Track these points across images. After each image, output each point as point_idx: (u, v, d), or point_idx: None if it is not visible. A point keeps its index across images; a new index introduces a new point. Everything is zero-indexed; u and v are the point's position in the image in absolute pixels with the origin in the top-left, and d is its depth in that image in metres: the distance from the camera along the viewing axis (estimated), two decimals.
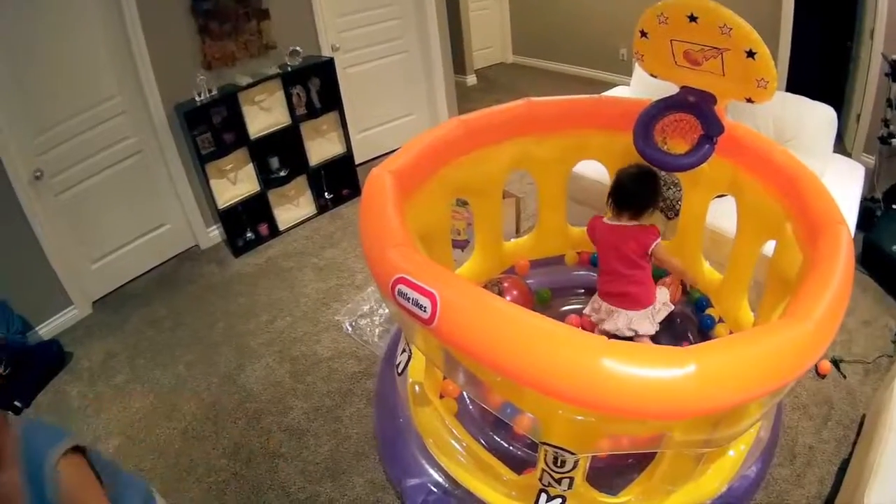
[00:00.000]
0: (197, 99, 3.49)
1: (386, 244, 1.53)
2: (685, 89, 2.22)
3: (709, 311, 2.71)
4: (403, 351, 2.08)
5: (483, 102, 6.35)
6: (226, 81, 3.69)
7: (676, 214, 2.97)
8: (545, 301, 2.86)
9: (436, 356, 1.69)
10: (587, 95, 2.77)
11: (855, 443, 2.44)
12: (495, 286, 2.65)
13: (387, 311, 3.18)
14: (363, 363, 2.93)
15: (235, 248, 3.89)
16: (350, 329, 3.13)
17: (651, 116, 2.30)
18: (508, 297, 2.57)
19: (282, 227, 4.13)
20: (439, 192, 2.32)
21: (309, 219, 4.27)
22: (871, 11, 4.46)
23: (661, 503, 1.81)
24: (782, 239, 2.09)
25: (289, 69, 3.88)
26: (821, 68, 5.39)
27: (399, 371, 2.09)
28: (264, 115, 3.87)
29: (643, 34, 2.16)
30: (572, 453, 1.47)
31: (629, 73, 6.77)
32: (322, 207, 4.34)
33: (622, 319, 2.46)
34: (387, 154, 4.98)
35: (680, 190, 2.96)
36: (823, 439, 2.46)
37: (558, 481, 1.57)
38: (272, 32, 3.91)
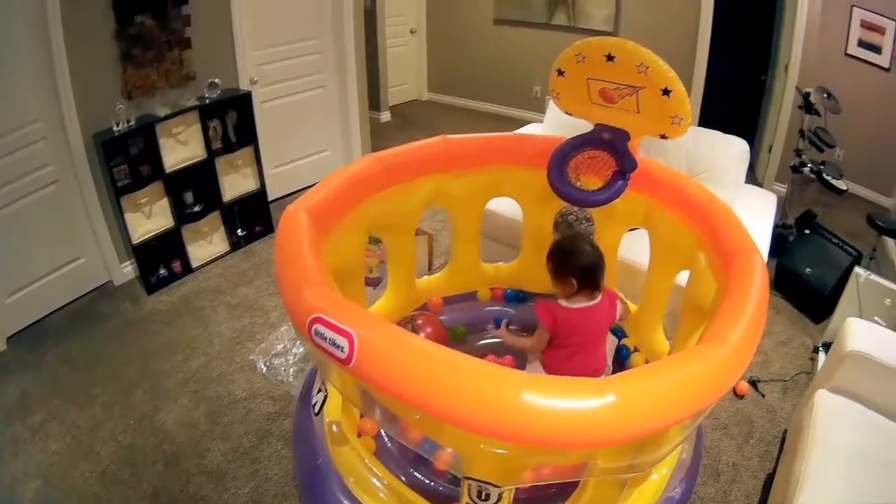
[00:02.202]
0: (115, 128, 3.35)
1: (302, 284, 1.50)
2: (600, 126, 2.29)
3: (624, 341, 2.77)
4: (319, 390, 2.04)
5: (397, 139, 6.33)
6: (145, 111, 3.56)
7: None
8: (460, 337, 2.85)
9: (353, 394, 1.64)
10: (502, 133, 2.82)
11: (779, 457, 2.58)
12: (409, 323, 2.62)
13: (301, 350, 3.12)
14: (279, 403, 2.86)
15: (149, 284, 3.73)
16: (264, 369, 3.05)
17: (565, 153, 2.35)
18: (423, 334, 2.55)
19: (195, 263, 3.99)
20: (354, 230, 2.28)
21: (222, 256, 4.15)
22: (787, 46, 4.77)
23: None
24: (696, 268, 2.17)
25: (207, 101, 3.79)
26: (735, 102, 5.74)
27: (316, 411, 2.03)
28: (181, 147, 3.76)
29: (560, 73, 2.22)
30: (497, 486, 1.45)
31: (543, 110, 6.99)
32: (235, 244, 4.23)
33: None
34: (300, 191, 5.00)
35: (592, 224, 3.04)
36: (746, 456, 2.60)
37: None
38: (193, 63, 3.81)
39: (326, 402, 1.99)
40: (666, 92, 1.97)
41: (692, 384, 1.33)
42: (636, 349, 2.72)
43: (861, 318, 2.65)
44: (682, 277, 2.41)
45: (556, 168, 2.34)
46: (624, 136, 2.23)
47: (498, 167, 2.67)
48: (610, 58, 2.00)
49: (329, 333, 1.29)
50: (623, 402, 1.21)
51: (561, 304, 2.11)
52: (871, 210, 4.25)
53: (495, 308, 3.01)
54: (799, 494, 1.88)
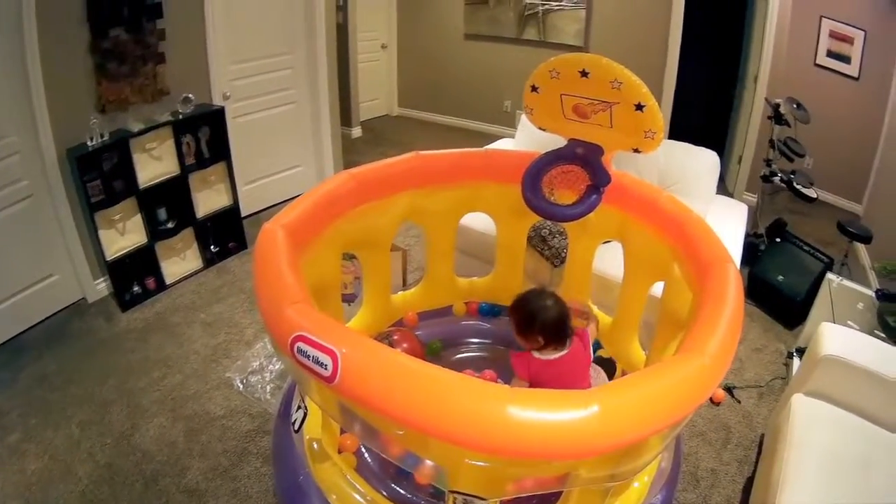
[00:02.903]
0: (89, 143, 3.31)
1: (283, 302, 1.49)
2: (573, 142, 2.31)
3: (600, 352, 2.77)
4: (299, 408, 2.02)
5: (369, 155, 6.47)
6: (118, 126, 3.53)
7: (563, 262, 3.07)
8: (436, 352, 2.84)
9: (333, 410, 1.64)
10: (475, 149, 2.84)
11: (757, 461, 2.64)
12: (385, 339, 2.60)
13: (277, 367, 3.10)
14: (256, 420, 2.83)
15: (123, 302, 3.68)
16: (241, 386, 3.02)
17: (539, 168, 2.37)
18: (399, 350, 2.54)
19: (169, 280, 3.95)
20: (331, 247, 2.28)
21: (196, 272, 4.11)
22: (756, 58, 4.88)
23: None
24: (670, 280, 2.21)
25: (180, 117, 3.76)
26: (704, 114, 5.84)
27: (296, 428, 2.02)
28: (154, 163, 3.73)
29: (534, 89, 2.24)
30: (482, 499, 1.46)
31: (514, 124, 7.09)
32: (209, 261, 4.19)
33: None
34: (274, 207, 4.98)
35: (565, 238, 3.07)
36: (725, 462, 2.65)
37: None
38: (167, 77, 3.79)
39: (306, 420, 1.98)
40: (639, 107, 2.00)
41: (673, 394, 1.35)
42: (613, 360, 2.72)
43: (835, 322, 2.70)
44: (657, 288, 2.45)
45: (531, 183, 2.35)
46: (597, 150, 2.26)
47: (471, 183, 2.69)
48: (584, 74, 2.03)
49: (312, 351, 1.29)
50: (607, 413, 1.22)
51: (534, 356, 2.09)
52: (840, 217, 4.34)
53: (471, 322, 3.02)
54: (780, 495, 1.92)
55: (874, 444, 2.15)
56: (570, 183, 2.35)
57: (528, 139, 3.85)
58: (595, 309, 2.82)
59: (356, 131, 7.24)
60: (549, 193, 2.37)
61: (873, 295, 3.17)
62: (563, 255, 3.03)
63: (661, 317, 2.31)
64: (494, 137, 4.93)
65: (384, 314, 2.82)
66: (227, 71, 4.34)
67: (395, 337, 2.59)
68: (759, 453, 2.70)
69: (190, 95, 3.83)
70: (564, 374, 2.10)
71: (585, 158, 2.28)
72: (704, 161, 3.35)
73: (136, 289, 3.77)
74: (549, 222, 2.89)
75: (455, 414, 1.21)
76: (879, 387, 2.23)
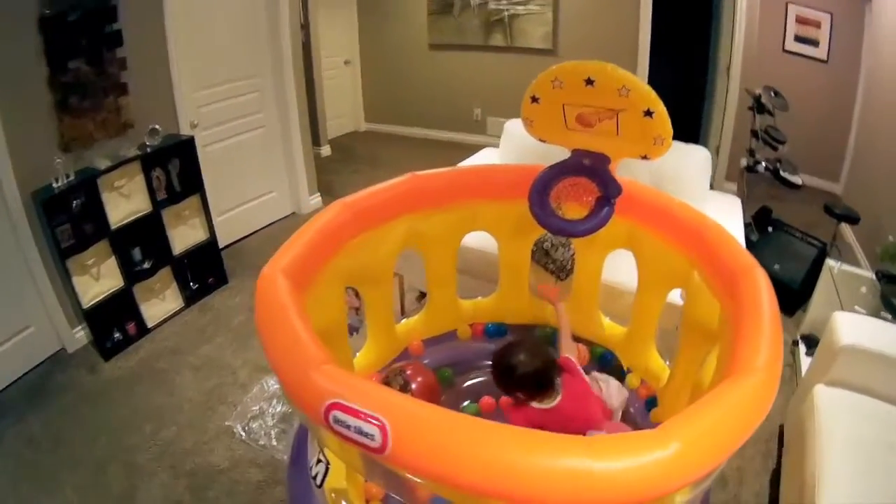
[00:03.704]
0: (55, 185, 3.11)
1: (306, 366, 1.34)
2: (578, 152, 2.21)
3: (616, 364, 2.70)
4: (319, 461, 1.88)
5: (342, 174, 6.35)
6: (84, 164, 3.33)
7: (568, 275, 2.98)
8: (448, 380, 2.72)
9: (355, 460, 1.52)
10: (472, 165, 2.74)
11: (779, 452, 2.65)
12: (399, 376, 2.45)
13: (280, 409, 2.95)
14: (265, 470, 2.67)
15: (104, 350, 3.48)
16: (243, 434, 2.85)
17: (545, 184, 2.27)
18: (414, 385, 2.40)
19: (150, 323, 3.75)
20: (333, 285, 2.15)
21: (177, 312, 3.92)
22: (726, 49, 4.89)
23: None
24: (691, 287, 2.13)
25: (148, 150, 3.57)
26: (677, 108, 5.83)
27: (318, 483, 1.87)
28: (125, 202, 3.54)
29: (534, 100, 2.13)
30: None
31: (484, 132, 7.11)
32: (189, 299, 4.01)
33: None
34: (250, 236, 4.80)
35: (568, 250, 2.98)
36: (748, 457, 2.62)
37: None
38: (131, 109, 3.60)
39: (329, 473, 1.84)
40: (648, 113, 1.92)
41: (741, 416, 1.31)
42: (629, 370, 2.65)
43: (842, 308, 2.77)
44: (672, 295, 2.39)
45: (538, 200, 2.25)
46: (604, 160, 2.17)
47: (470, 202, 2.57)
48: (589, 82, 1.94)
49: (353, 421, 1.15)
50: (687, 448, 1.17)
51: (532, 406, 2.02)
52: (819, 198, 4.39)
53: (477, 344, 2.89)
54: (818, 490, 1.92)
55: None
56: (578, 195, 2.26)
57: (512, 149, 3.76)
58: (606, 319, 2.74)
59: (325, 150, 7.08)
60: (557, 208, 2.27)
61: (874, 277, 3.20)
62: (567, 267, 2.94)
63: (685, 326, 2.23)
64: (466, 146, 4.84)
65: (389, 346, 2.69)
66: (192, 98, 4.16)
67: (409, 372, 2.44)
68: (780, 445, 2.68)
69: (156, 126, 3.63)
70: (570, 417, 2.03)
71: (593, 169, 2.19)
72: (696, 158, 3.34)
73: (116, 335, 3.57)
74: (550, 235, 2.78)
75: (533, 475, 1.10)
76: None
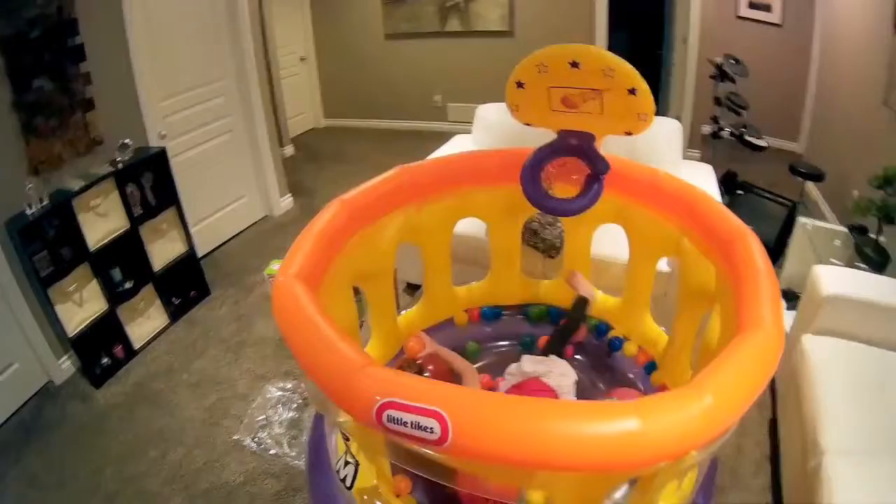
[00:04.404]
0: (28, 212, 3.01)
1: (349, 371, 1.34)
2: (564, 132, 2.26)
3: (611, 333, 2.79)
4: (348, 463, 1.89)
5: (309, 173, 6.33)
6: (55, 187, 3.23)
7: (558, 252, 3.04)
8: (475, 354, 2.79)
9: (382, 450, 1.56)
10: (459, 153, 2.77)
11: (773, 401, 2.90)
12: (412, 365, 2.48)
13: (288, 415, 2.96)
14: (282, 479, 2.66)
15: (94, 378, 3.39)
16: (254, 446, 2.83)
17: (535, 165, 2.31)
18: (428, 374, 2.45)
19: (137, 344, 3.68)
20: (341, 286, 2.16)
21: (164, 330, 3.85)
22: (683, 20, 4.99)
23: None
24: (683, 254, 2.21)
25: (120, 166, 3.49)
26: None
27: (348, 485, 1.88)
28: (101, 221, 3.46)
29: (520, 85, 2.17)
30: None
31: (445, 118, 7.12)
32: (174, 315, 3.95)
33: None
34: (225, 244, 4.75)
35: (556, 228, 3.04)
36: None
37: None
38: (99, 125, 3.52)
39: (359, 473, 1.86)
40: (632, 91, 1.97)
41: (758, 368, 1.38)
42: (626, 338, 2.75)
43: (819, 262, 2.90)
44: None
45: (531, 182, 2.30)
46: (590, 138, 2.22)
47: (460, 189, 2.60)
48: (574, 64, 1.98)
49: (410, 417, 1.18)
50: (719, 399, 1.25)
51: None
52: (781, 158, 4.55)
53: (475, 328, 2.95)
54: (822, 433, 2.09)
55: (887, 366, 2.39)
56: (567, 175, 2.32)
57: (486, 134, 3.82)
58: (599, 292, 2.81)
59: (289, 150, 7.03)
60: (549, 188, 2.33)
61: (846, 230, 3.34)
62: (557, 245, 3.00)
63: (682, 291, 2.32)
64: (428, 134, 4.86)
65: (394, 341, 2.71)
66: (159, 108, 4.10)
67: (420, 361, 2.47)
68: (773, 394, 2.93)
69: (127, 141, 3.56)
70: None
71: (580, 148, 2.24)
72: (668, 129, 3.46)
73: (105, 360, 3.48)
74: (538, 215, 2.84)
75: (591, 441, 1.17)
76: (881, 314, 2.48)
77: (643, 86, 1.97)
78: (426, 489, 2.04)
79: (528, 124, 2.35)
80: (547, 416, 1.19)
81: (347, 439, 1.82)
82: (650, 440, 1.17)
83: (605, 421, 1.18)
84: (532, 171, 2.30)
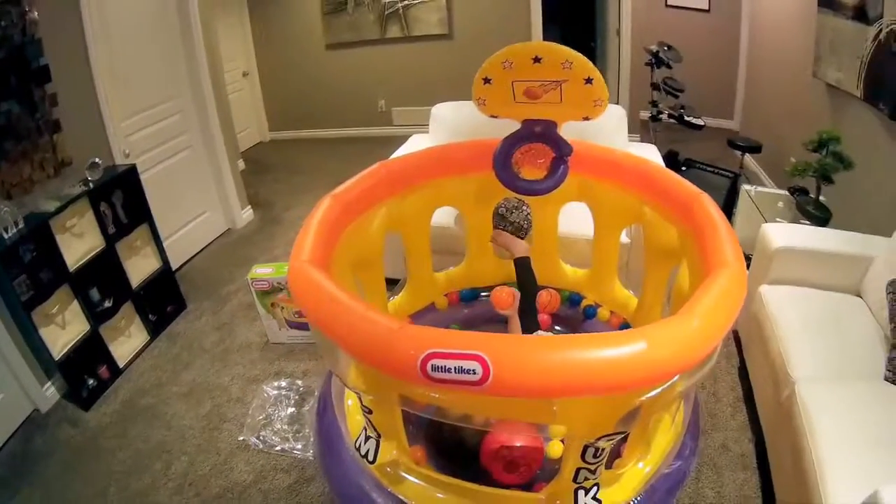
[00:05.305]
0: (5, 236, 3.03)
1: (387, 333, 1.47)
2: (528, 122, 2.49)
3: (584, 302, 3.02)
4: (369, 438, 2.01)
5: (263, 185, 6.42)
6: (28, 210, 3.24)
7: (526, 233, 3.26)
8: None
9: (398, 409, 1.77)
10: (433, 146, 2.96)
11: (740, 351, 3.26)
12: None
13: (289, 411, 3.08)
14: (293, 473, 2.75)
15: (81, 401, 3.38)
16: (260, 444, 2.92)
17: (506, 152, 2.54)
18: None
19: (122, 363, 3.72)
20: (343, 271, 2.31)
21: (146, 346, 3.90)
22: (615, 13, 5.30)
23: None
24: (646, 221, 2.47)
25: (91, 185, 3.54)
26: None
27: (370, 459, 2.00)
28: (78, 241, 3.51)
29: (486, 81, 2.39)
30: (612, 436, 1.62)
31: (390, 122, 7.28)
32: (154, 331, 4.03)
33: None
34: (193, 258, 4.85)
35: (522, 211, 3.25)
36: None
37: (594, 471, 1.71)
38: (67, 146, 3.58)
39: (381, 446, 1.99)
40: (588, 80, 2.22)
41: (733, 294, 1.62)
42: (599, 304, 2.98)
43: (767, 222, 3.27)
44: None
45: (503, 167, 2.52)
46: (552, 124, 2.45)
47: (435, 180, 2.80)
48: (537, 59, 2.21)
49: (453, 363, 1.33)
50: (705, 321, 1.48)
51: None
52: (718, 136, 4.90)
53: (456, 311, 3.14)
54: (792, 366, 2.44)
55: (837, 305, 2.79)
56: (533, 159, 2.55)
57: (442, 131, 4.02)
58: (567, 267, 3.07)
59: (240, 164, 7.07)
60: (518, 172, 2.55)
61: (787, 193, 3.66)
62: (525, 226, 3.20)
63: (649, 253, 2.56)
64: (374, 139, 4.98)
65: None
66: (122, 128, 4.19)
67: None
68: (738, 344, 3.33)
69: (97, 160, 3.63)
70: None
71: (544, 134, 2.47)
72: (613, 114, 3.72)
73: (90, 382, 3.50)
74: (504, 200, 3.06)
75: (613, 365, 1.37)
76: (825, 260, 2.91)
77: (598, 75, 2.21)
78: (438, 460, 2.22)
79: (493, 116, 2.57)
80: (571, 347, 1.40)
81: (370, 412, 1.93)
82: (656, 358, 1.38)
83: (619, 346, 1.38)
84: (503, 158, 2.53)
